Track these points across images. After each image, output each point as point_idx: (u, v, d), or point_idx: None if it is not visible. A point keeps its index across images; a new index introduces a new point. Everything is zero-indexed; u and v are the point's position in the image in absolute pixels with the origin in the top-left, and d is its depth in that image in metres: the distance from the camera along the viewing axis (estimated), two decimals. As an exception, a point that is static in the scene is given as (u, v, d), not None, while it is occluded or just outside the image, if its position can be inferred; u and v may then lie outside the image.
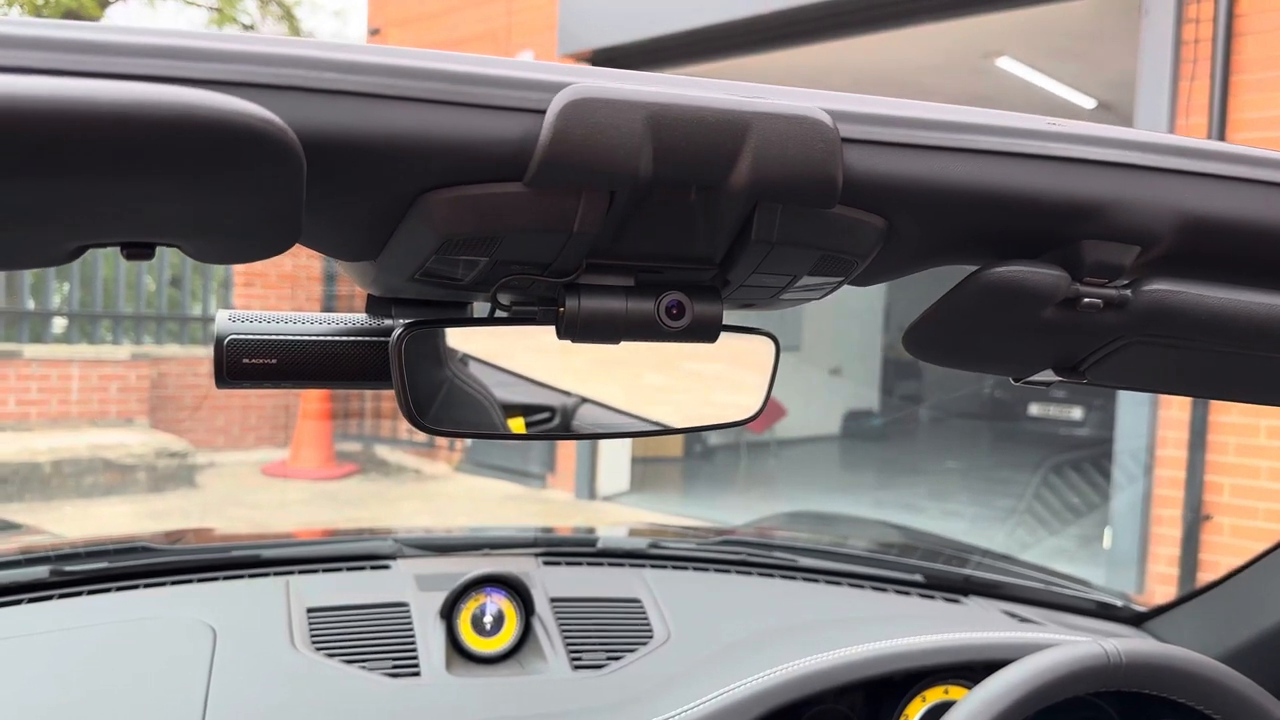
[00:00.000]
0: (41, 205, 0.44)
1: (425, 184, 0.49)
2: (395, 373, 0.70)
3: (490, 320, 0.73)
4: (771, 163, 0.51)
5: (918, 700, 1.20)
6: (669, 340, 0.62)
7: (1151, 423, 5.00)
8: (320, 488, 7.36)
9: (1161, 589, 4.96)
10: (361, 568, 1.48)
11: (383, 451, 8.86)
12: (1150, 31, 4.90)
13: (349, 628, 1.28)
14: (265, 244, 0.54)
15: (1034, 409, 10.50)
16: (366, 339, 0.76)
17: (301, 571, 1.44)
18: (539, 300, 0.63)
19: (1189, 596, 1.49)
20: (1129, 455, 5.13)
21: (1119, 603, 1.62)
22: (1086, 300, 0.60)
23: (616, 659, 1.28)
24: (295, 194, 0.47)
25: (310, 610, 1.31)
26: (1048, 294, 0.60)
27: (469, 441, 8.38)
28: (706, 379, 0.84)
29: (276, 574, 1.42)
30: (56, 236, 0.49)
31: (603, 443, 7.17)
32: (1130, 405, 5.09)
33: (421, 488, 7.63)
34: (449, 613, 1.30)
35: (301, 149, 0.44)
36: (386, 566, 1.49)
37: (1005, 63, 6.78)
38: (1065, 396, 9.97)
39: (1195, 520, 4.88)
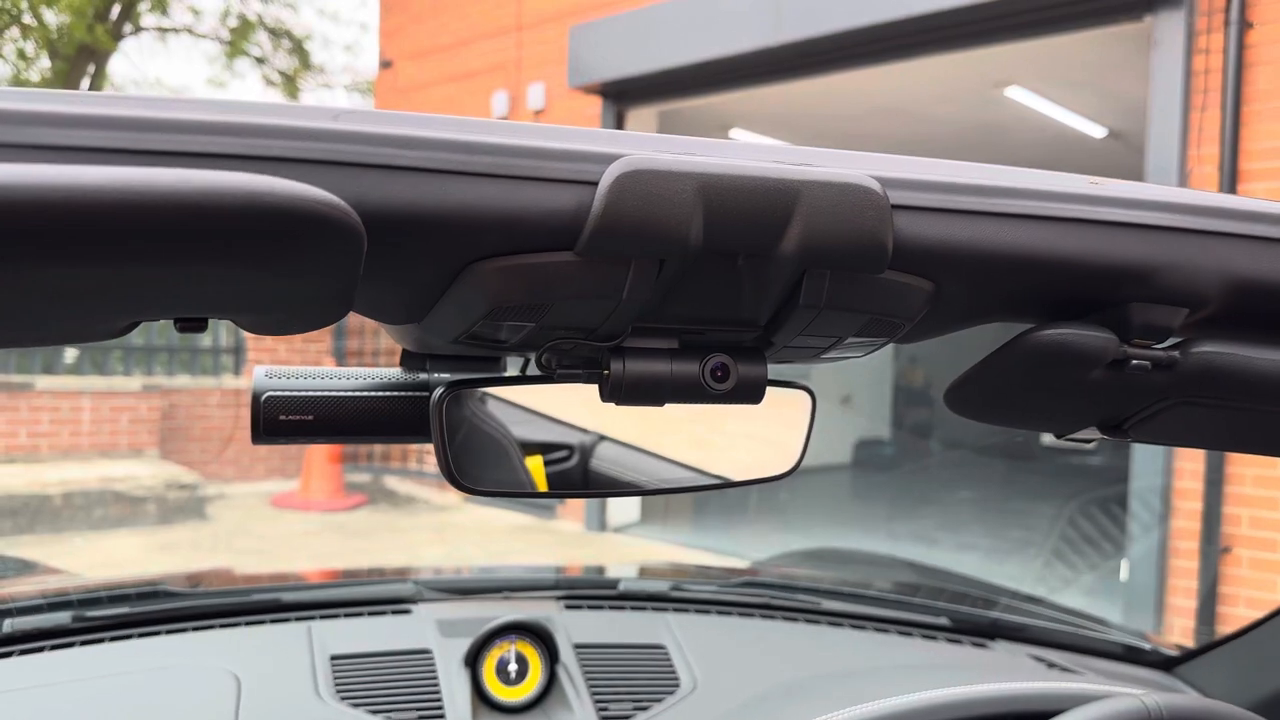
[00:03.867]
0: (99, 290, 0.43)
1: (477, 254, 0.49)
2: (436, 433, 0.70)
3: (533, 379, 0.73)
4: (821, 231, 0.51)
5: (950, 752, 1.18)
6: (714, 402, 0.62)
7: (1168, 455, 4.96)
8: (330, 519, 7.35)
9: (1180, 622, 4.91)
10: (383, 612, 1.47)
11: (392, 482, 8.85)
12: (1160, 61, 4.91)
13: (373, 677, 1.27)
14: (320, 317, 0.54)
15: (1047, 439, 10.45)
16: (403, 394, 0.76)
17: (323, 616, 1.43)
18: (583, 363, 0.62)
19: (1221, 641, 1.47)
20: (1145, 488, 5.10)
21: (1147, 646, 1.59)
22: (1135, 362, 0.60)
23: (644, 709, 1.27)
24: (355, 270, 0.47)
25: (334, 658, 1.30)
26: (1096, 356, 0.59)
27: (479, 472, 8.37)
28: (738, 435, 0.83)
29: (298, 619, 1.41)
30: (112, 315, 0.48)
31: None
32: (1145, 436, 5.05)
33: (431, 519, 7.61)
34: (473, 661, 1.29)
35: (363, 228, 0.44)
36: (408, 611, 1.47)
37: (1015, 92, 6.80)
38: (1077, 425, 9.91)
39: (1213, 552, 4.84)
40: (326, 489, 7.81)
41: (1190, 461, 4.91)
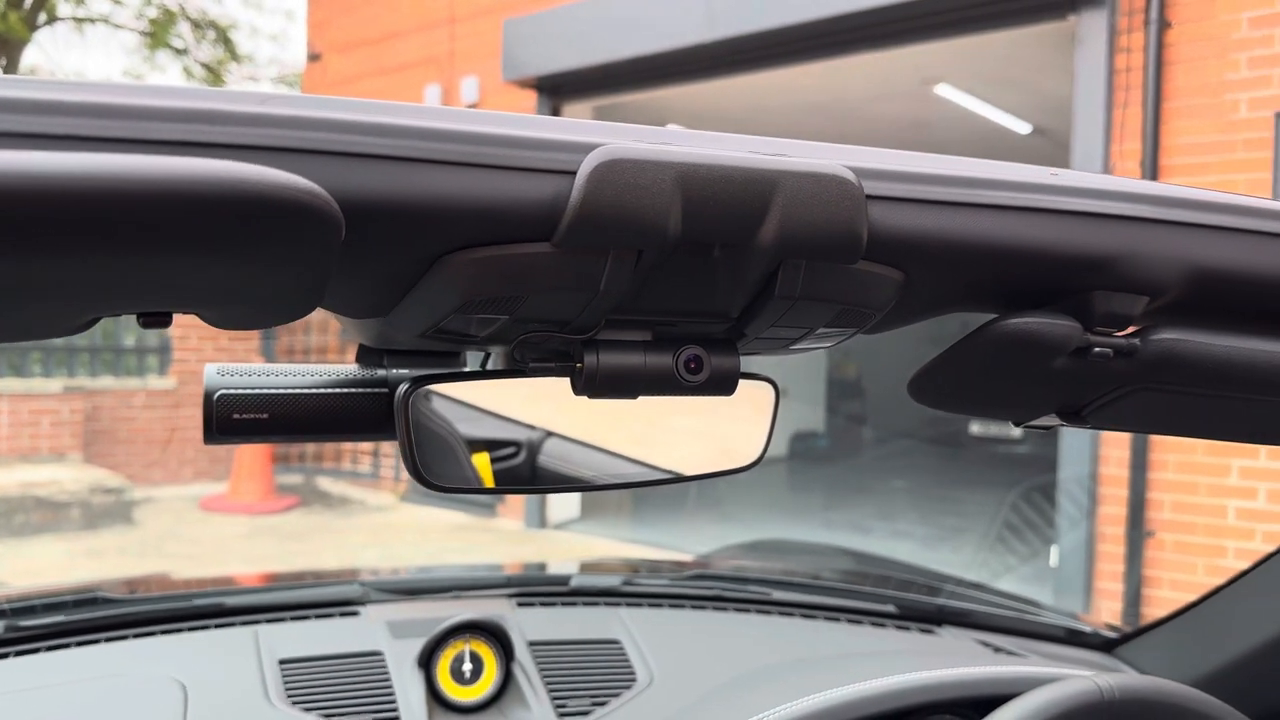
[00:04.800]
0: (66, 283, 0.41)
1: (451, 245, 0.48)
2: (401, 430, 0.68)
3: (502, 373, 0.72)
4: (798, 221, 0.51)
5: (905, 737, 1.19)
6: (687, 394, 0.62)
7: (1094, 443, 5.10)
8: (261, 522, 7.20)
9: (1108, 604, 5.05)
10: (330, 614, 1.44)
11: (325, 483, 8.71)
12: (1084, 60, 5.04)
13: (324, 680, 1.25)
14: (290, 310, 0.52)
15: (975, 428, 10.67)
16: (361, 391, 0.74)
17: (269, 620, 1.40)
18: (556, 356, 0.62)
19: (1157, 623, 1.51)
20: (1073, 475, 5.23)
21: (1087, 629, 1.63)
22: (1097, 350, 0.61)
23: (602, 705, 1.26)
24: (330, 261, 0.45)
25: (282, 662, 1.27)
26: (1060, 344, 0.60)
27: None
28: (686, 430, 0.83)
29: (243, 623, 1.38)
30: (74, 310, 0.46)
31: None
32: (1073, 425, 5.19)
33: (366, 520, 7.50)
34: (427, 661, 1.27)
35: (342, 217, 0.43)
36: (355, 613, 1.45)
37: (944, 89, 6.92)
38: (1005, 415, 10.13)
39: (1139, 537, 4.98)
40: (257, 491, 7.65)
41: (1116, 449, 5.05)
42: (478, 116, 0.48)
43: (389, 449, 8.03)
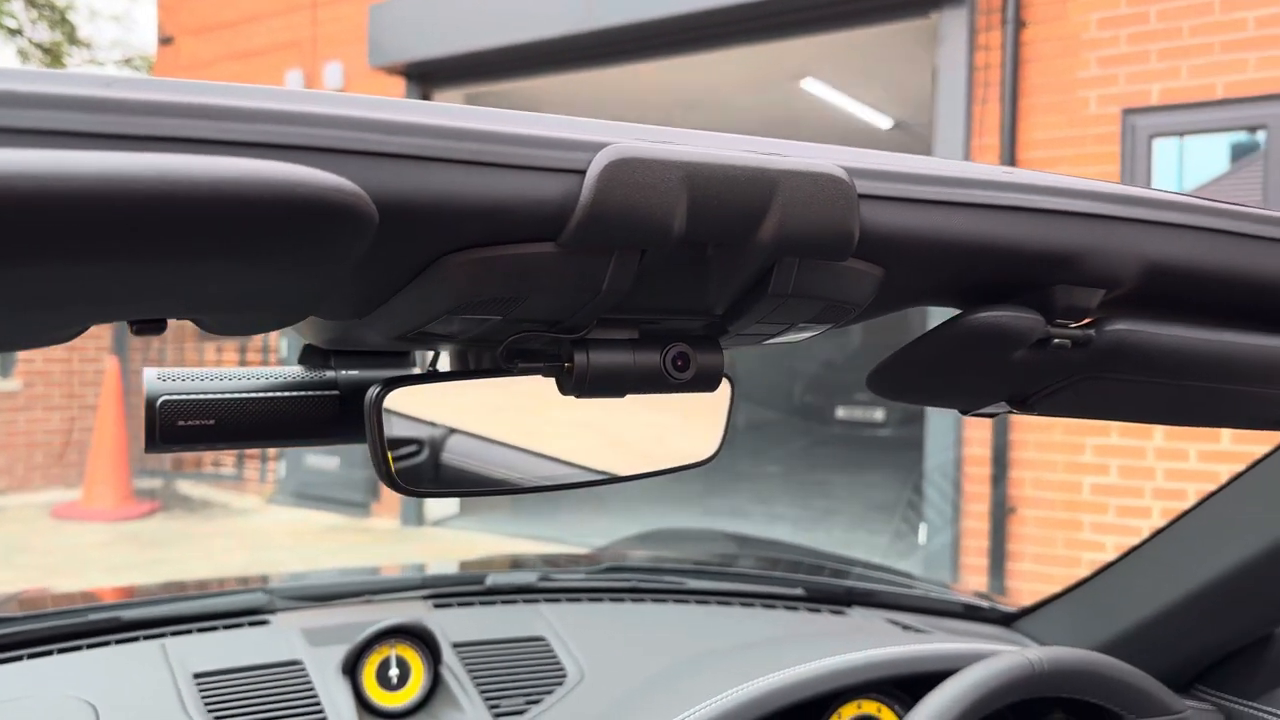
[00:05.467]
0: (82, 289, 0.38)
1: (453, 245, 0.46)
2: (372, 434, 0.66)
3: (483, 374, 0.70)
4: (797, 219, 0.52)
5: (835, 718, 1.23)
6: (674, 391, 0.62)
7: (959, 425, 5.33)
8: (120, 529, 6.84)
9: (974, 579, 5.29)
10: (239, 624, 1.39)
11: (186, 486, 8.34)
12: (945, 57, 5.25)
13: (244, 693, 1.20)
14: (294, 315, 0.50)
15: (840, 412, 11.01)
16: (309, 394, 0.72)
17: (174, 633, 1.33)
18: (543, 356, 0.61)
19: (1053, 598, 1.59)
20: (940, 456, 5.46)
21: (986, 605, 1.71)
22: (1056, 341, 0.63)
23: (536, 702, 1.25)
24: (352, 263, 0.44)
25: (197, 676, 1.21)
26: (1024, 336, 0.63)
27: (282, 471, 8.01)
28: (658, 422, 0.83)
29: (146, 638, 1.31)
30: (77, 318, 0.43)
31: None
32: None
33: (232, 524, 7.22)
34: (352, 669, 1.23)
35: (377, 218, 0.41)
36: (265, 622, 1.40)
37: (810, 84, 7.09)
38: (869, 400, 10.51)
39: (1001, 514, 5.24)
40: (113, 497, 7.26)
41: (979, 431, 5.30)
42: (482, 114, 0.47)
43: (254, 450, 7.74)
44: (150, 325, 0.48)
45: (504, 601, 1.52)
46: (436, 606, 1.48)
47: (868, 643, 1.35)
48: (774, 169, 0.51)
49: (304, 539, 6.64)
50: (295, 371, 0.72)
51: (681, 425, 0.83)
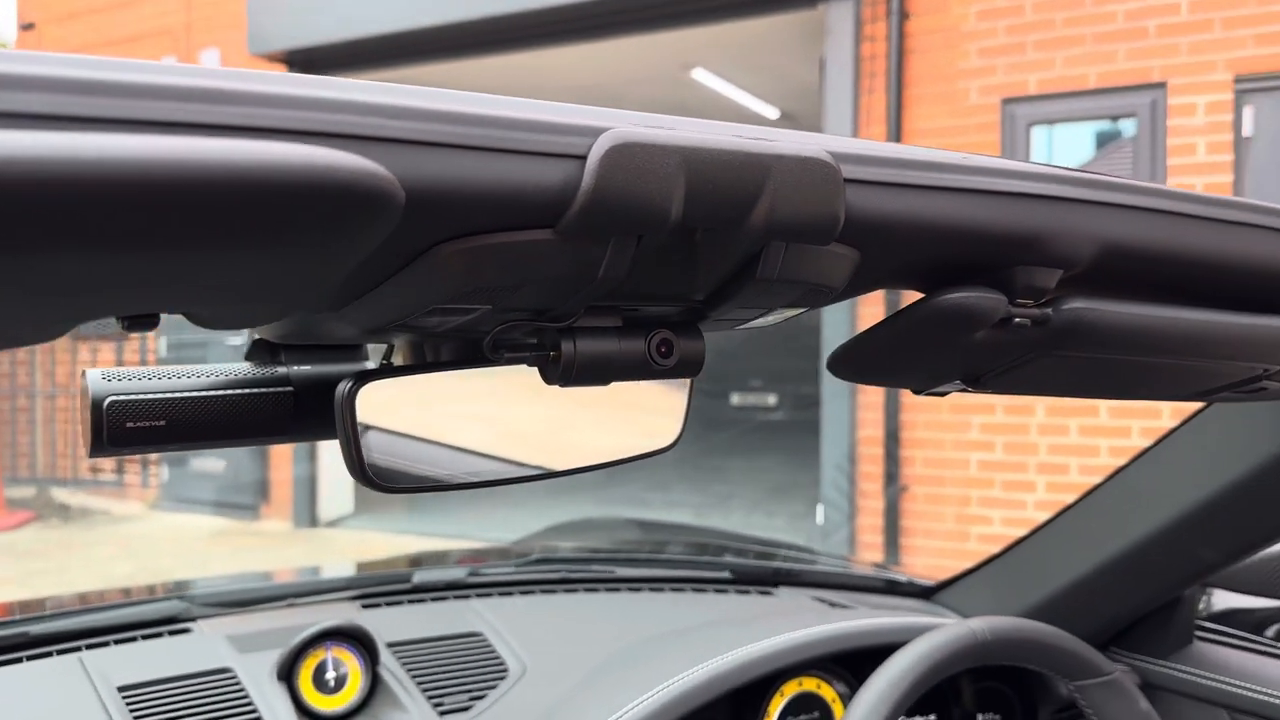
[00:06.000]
0: (100, 279, 0.36)
1: (449, 233, 0.45)
2: (344, 429, 0.65)
3: (461, 365, 0.69)
4: (787, 203, 0.52)
5: (777, 696, 1.25)
6: (656, 378, 0.62)
7: (853, 407, 5.47)
8: (-10, 542, 6.48)
9: (870, 556, 5.45)
10: (158, 634, 1.33)
11: (61, 494, 7.93)
12: (833, 48, 5.36)
13: (175, 704, 1.15)
14: (290, 306, 0.48)
15: (735, 399, 11.16)
16: (262, 391, 0.69)
17: (89, 646, 1.27)
18: (524, 346, 0.60)
19: (969, 572, 1.65)
20: (834, 438, 5.59)
21: (904, 579, 1.76)
22: (1017, 320, 0.66)
23: (480, 698, 1.23)
24: (366, 252, 0.42)
25: (122, 689, 1.16)
26: (988, 316, 0.65)
27: (165, 476, 7.70)
28: (619, 408, 0.83)
29: (60, 652, 1.25)
30: (71, 314, 0.41)
31: (323, 465, 6.85)
32: (833, 390, 5.55)
33: (113, 531, 6.91)
34: (288, 673, 1.20)
35: (404, 205, 0.40)
36: (187, 630, 1.34)
37: (699, 74, 7.15)
38: (762, 386, 10.69)
39: (894, 492, 5.41)
40: (-19, 508, 6.88)
41: (872, 413, 5.45)
42: (477, 99, 0.46)
43: (134, 455, 7.42)
44: (144, 320, 0.46)
45: (434, 599, 1.50)
46: (365, 607, 1.44)
47: (798, 621, 1.37)
48: (766, 153, 0.51)
49: (191, 545, 6.40)
50: (244, 368, 0.70)
51: (642, 413, 0.83)
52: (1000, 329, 0.66)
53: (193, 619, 1.37)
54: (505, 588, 1.55)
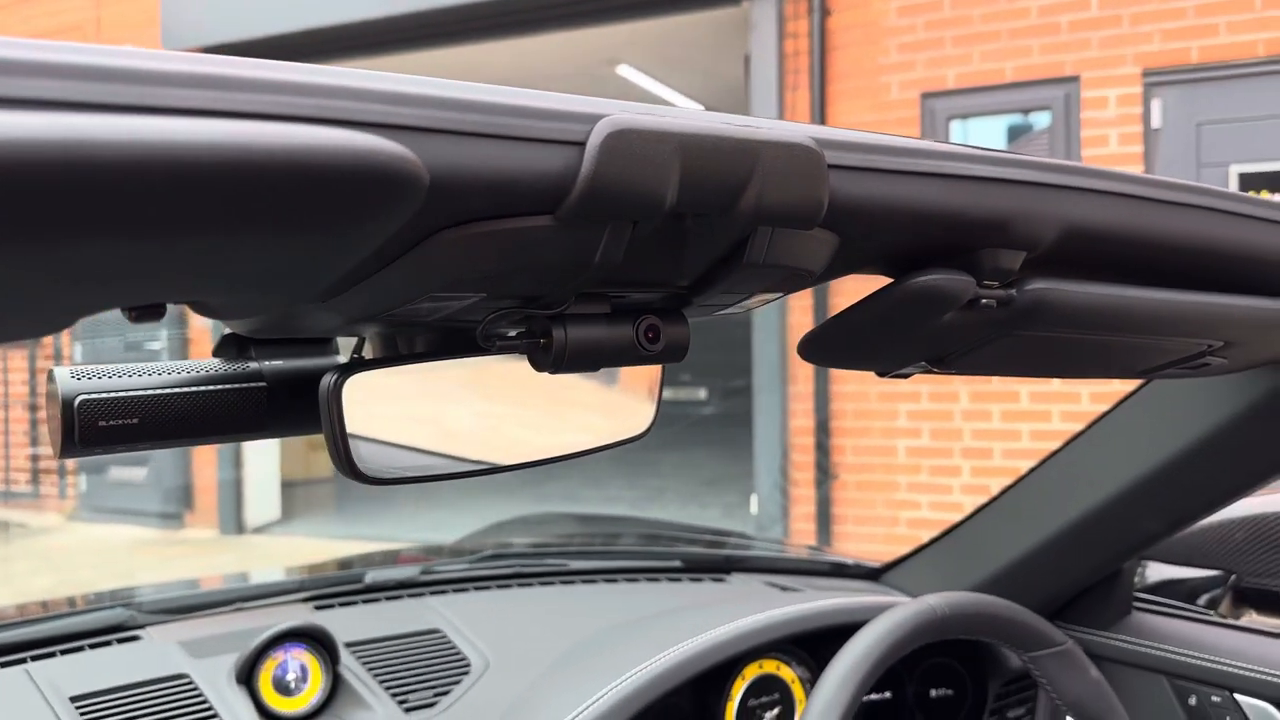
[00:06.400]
0: (126, 266, 0.36)
1: (451, 220, 0.46)
2: (332, 423, 0.64)
3: (449, 354, 0.69)
4: (775, 189, 0.53)
5: (739, 679, 1.27)
6: (644, 364, 0.63)
7: (784, 397, 5.55)
8: (-105, 560, 6.21)
9: (804, 543, 5.53)
10: (106, 643, 1.30)
11: (-29, 508, 7.65)
12: (757, 44, 5.42)
13: (132, 712, 1.12)
14: (300, 295, 0.48)
15: (665, 393, 11.20)
16: (234, 387, 0.69)
17: (35, 657, 1.24)
18: (519, 334, 0.61)
19: (914, 553, 1.69)
20: (766, 429, 5.66)
21: (850, 562, 1.80)
22: (984, 301, 0.68)
23: (445, 694, 1.23)
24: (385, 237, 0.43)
25: (75, 699, 1.13)
26: (958, 297, 0.67)
27: (84, 486, 7.47)
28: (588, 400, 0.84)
29: (4, 665, 1.21)
30: (93, 302, 0.40)
31: (249, 471, 6.71)
32: (764, 382, 5.62)
33: (31, 544, 6.68)
34: (248, 677, 1.18)
35: (428, 190, 0.40)
36: (136, 637, 1.32)
37: (625, 70, 7.17)
38: (692, 380, 10.77)
39: (825, 480, 5.49)
40: (-116, 526, 6.58)
41: (802, 403, 5.53)
42: (482, 88, 0.47)
43: (54, 464, 7.18)
44: (151, 311, 0.45)
45: (388, 598, 1.49)
46: (318, 608, 1.43)
47: (755, 605, 1.39)
48: (756, 139, 0.52)
49: (113, 556, 6.22)
50: (214, 364, 0.69)
51: (615, 403, 0.84)
52: (967, 310, 0.68)
53: (141, 626, 1.34)
54: (460, 584, 1.54)
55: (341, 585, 1.53)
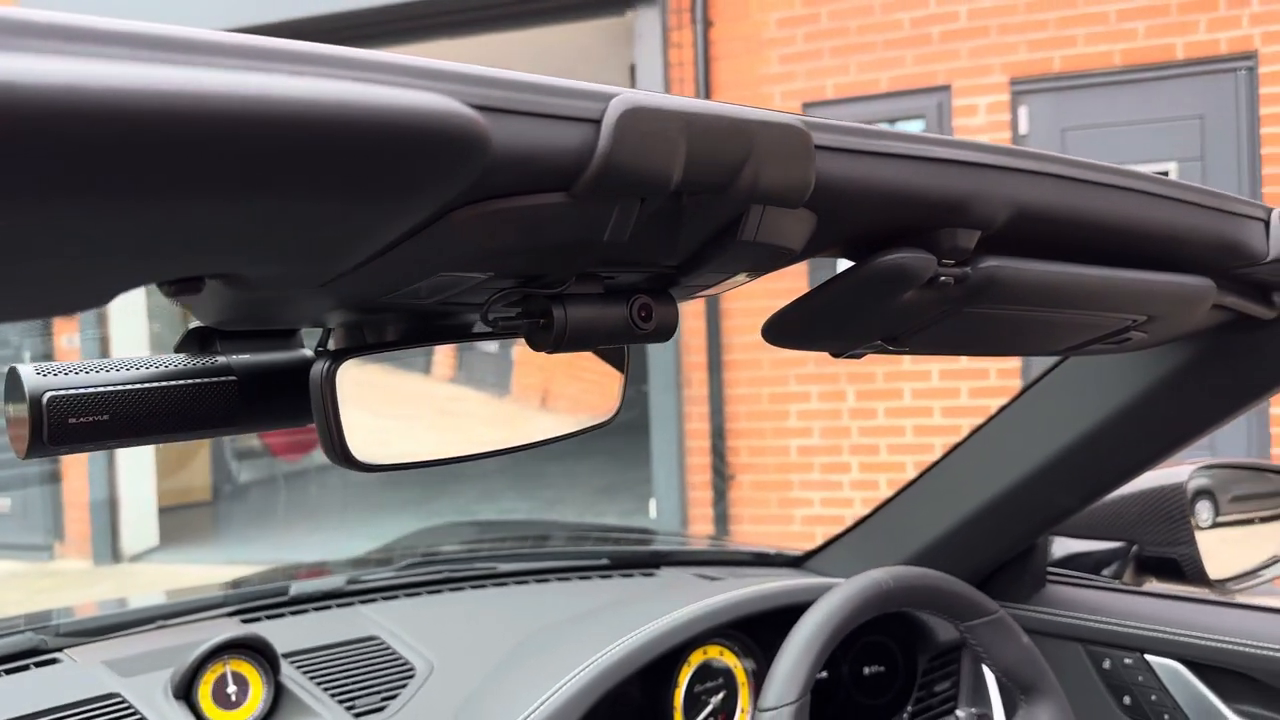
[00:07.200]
0: (194, 226, 0.35)
1: (468, 197, 0.46)
2: (326, 410, 0.64)
3: (432, 340, 0.69)
4: (769, 168, 0.55)
5: (685, 667, 1.29)
6: (636, 342, 0.65)
7: (679, 401, 5.61)
8: None
9: (725, 537, 5.60)
10: (23, 667, 1.23)
11: None
12: (642, 54, 5.48)
13: (66, 736, 1.07)
14: (332, 267, 0.48)
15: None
16: (203, 381, 0.68)
17: None
18: (520, 315, 0.61)
19: (834, 539, 1.74)
20: (662, 433, 5.71)
21: (772, 552, 1.84)
22: (943, 278, 0.72)
23: (392, 698, 1.21)
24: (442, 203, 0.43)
25: (1, 728, 1.07)
26: (920, 275, 0.71)
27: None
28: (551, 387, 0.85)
29: None
30: (148, 271, 0.39)
31: (124, 497, 6.41)
32: (659, 387, 5.67)
33: (-121, 585, 6.23)
34: (187, 692, 1.14)
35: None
36: (55, 660, 1.25)
37: (508, 79, 7.14)
38: (580, 389, 10.75)
39: (722, 481, 5.58)
40: None
41: (698, 406, 5.60)
42: (499, 70, 0.47)
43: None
44: (190, 284, 0.44)
45: (316, 609, 1.46)
46: (245, 622, 1.39)
47: (690, 595, 1.42)
48: (752, 120, 0.55)
49: (-24, 593, 5.85)
50: (179, 359, 0.68)
51: (583, 390, 0.85)
52: (926, 288, 0.72)
53: (59, 649, 1.28)
54: (388, 592, 1.52)
55: (266, 598, 1.49)
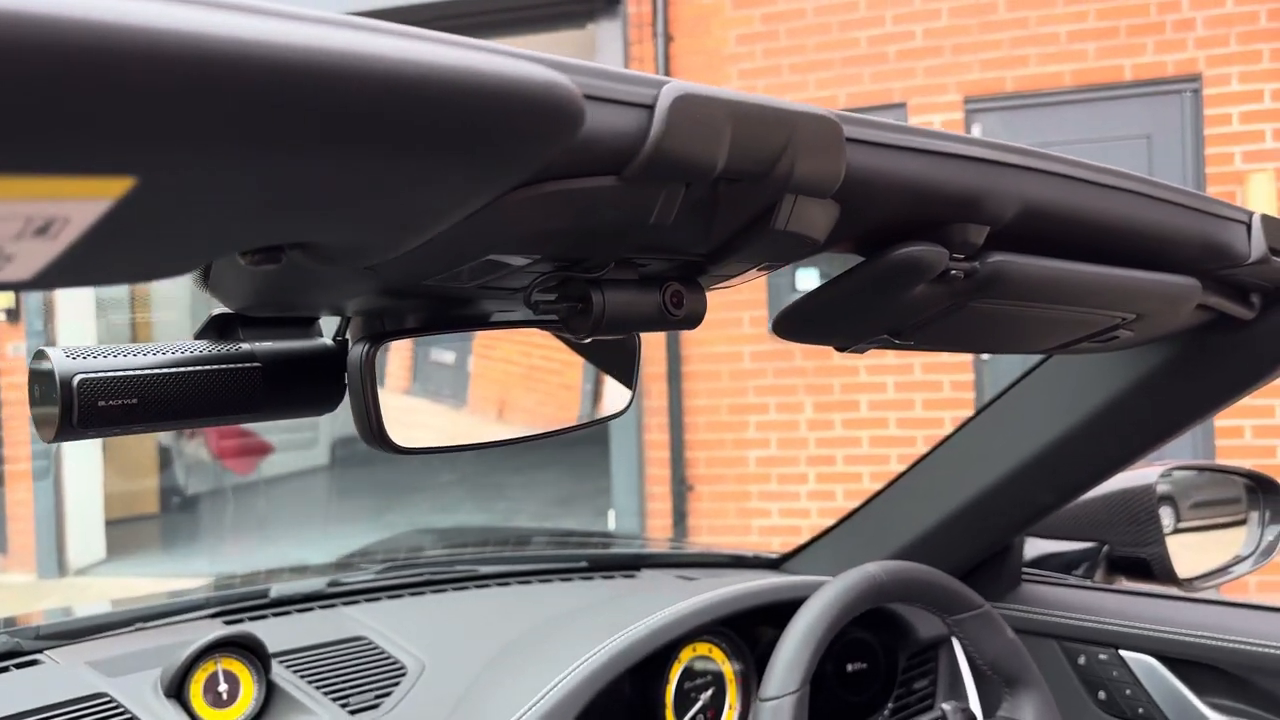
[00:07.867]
0: (313, 184, 0.36)
1: (523, 179, 0.48)
2: (364, 394, 0.65)
3: (468, 326, 0.70)
4: (805, 158, 0.57)
5: (676, 664, 1.30)
6: (666, 329, 0.66)
7: (639, 411, 5.63)
8: None
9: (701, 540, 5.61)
10: (4, 669, 1.21)
11: None
12: (603, 66, 5.51)
13: (56, 735, 1.06)
14: (403, 240, 0.49)
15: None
16: (228, 367, 0.68)
17: None
18: (559, 299, 0.62)
19: (812, 541, 1.76)
20: (621, 444, 5.72)
21: (750, 555, 1.86)
22: (953, 272, 0.75)
23: (387, 695, 1.21)
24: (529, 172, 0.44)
25: (-12, 729, 1.05)
26: (933, 268, 0.73)
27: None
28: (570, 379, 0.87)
29: None
30: (252, 232, 0.40)
31: (70, 509, 6.27)
32: (619, 399, 5.67)
33: None
34: (178, 690, 1.13)
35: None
36: (36, 661, 1.23)
37: (466, 90, 7.13)
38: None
39: (681, 492, 5.60)
40: None
41: (658, 417, 5.62)
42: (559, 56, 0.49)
43: None
44: (271, 254, 0.45)
45: (299, 610, 1.45)
46: (227, 623, 1.37)
47: (674, 595, 1.43)
48: (789, 110, 0.57)
49: (-86, 608, 5.67)
50: (202, 345, 0.68)
51: (599, 381, 0.87)
52: (936, 281, 0.74)
53: (38, 650, 1.25)
54: (370, 593, 1.51)
55: (248, 600, 1.48)
